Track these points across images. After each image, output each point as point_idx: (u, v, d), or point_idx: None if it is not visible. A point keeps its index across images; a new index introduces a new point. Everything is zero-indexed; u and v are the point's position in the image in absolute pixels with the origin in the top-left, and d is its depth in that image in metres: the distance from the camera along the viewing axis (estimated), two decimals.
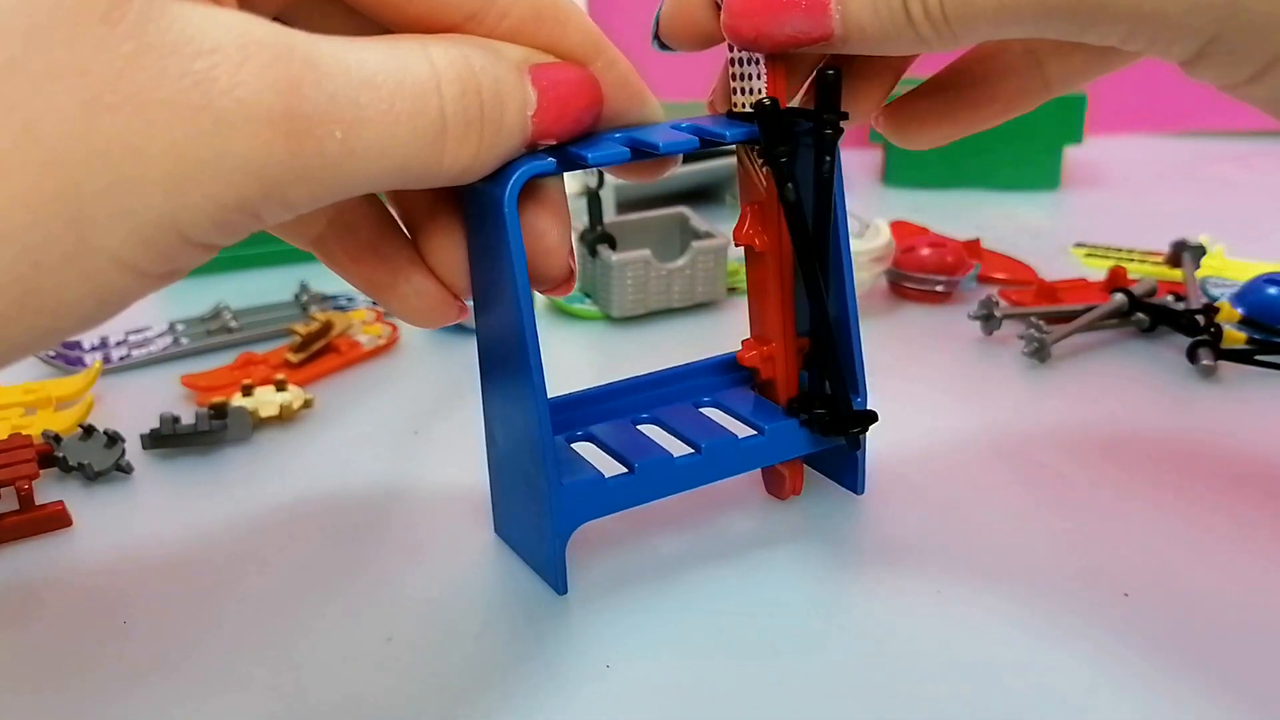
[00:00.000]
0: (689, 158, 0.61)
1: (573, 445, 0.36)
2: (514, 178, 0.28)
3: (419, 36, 0.25)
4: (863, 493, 0.38)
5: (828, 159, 0.32)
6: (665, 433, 0.36)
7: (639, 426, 0.37)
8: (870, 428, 0.35)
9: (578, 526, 0.33)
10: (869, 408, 0.36)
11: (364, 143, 0.23)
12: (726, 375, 0.38)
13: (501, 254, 0.29)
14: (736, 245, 0.35)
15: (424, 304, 0.31)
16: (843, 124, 0.32)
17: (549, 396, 0.32)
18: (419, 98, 0.24)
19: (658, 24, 0.32)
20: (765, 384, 0.37)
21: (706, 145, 0.32)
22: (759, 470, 0.38)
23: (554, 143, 0.28)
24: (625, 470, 0.33)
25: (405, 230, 0.31)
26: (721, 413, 0.37)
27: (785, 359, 0.36)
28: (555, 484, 0.32)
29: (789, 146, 0.32)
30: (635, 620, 0.33)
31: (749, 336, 0.37)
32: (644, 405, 0.38)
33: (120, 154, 0.20)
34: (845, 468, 0.38)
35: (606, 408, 0.37)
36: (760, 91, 0.31)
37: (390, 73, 0.23)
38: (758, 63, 0.31)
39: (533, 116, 0.27)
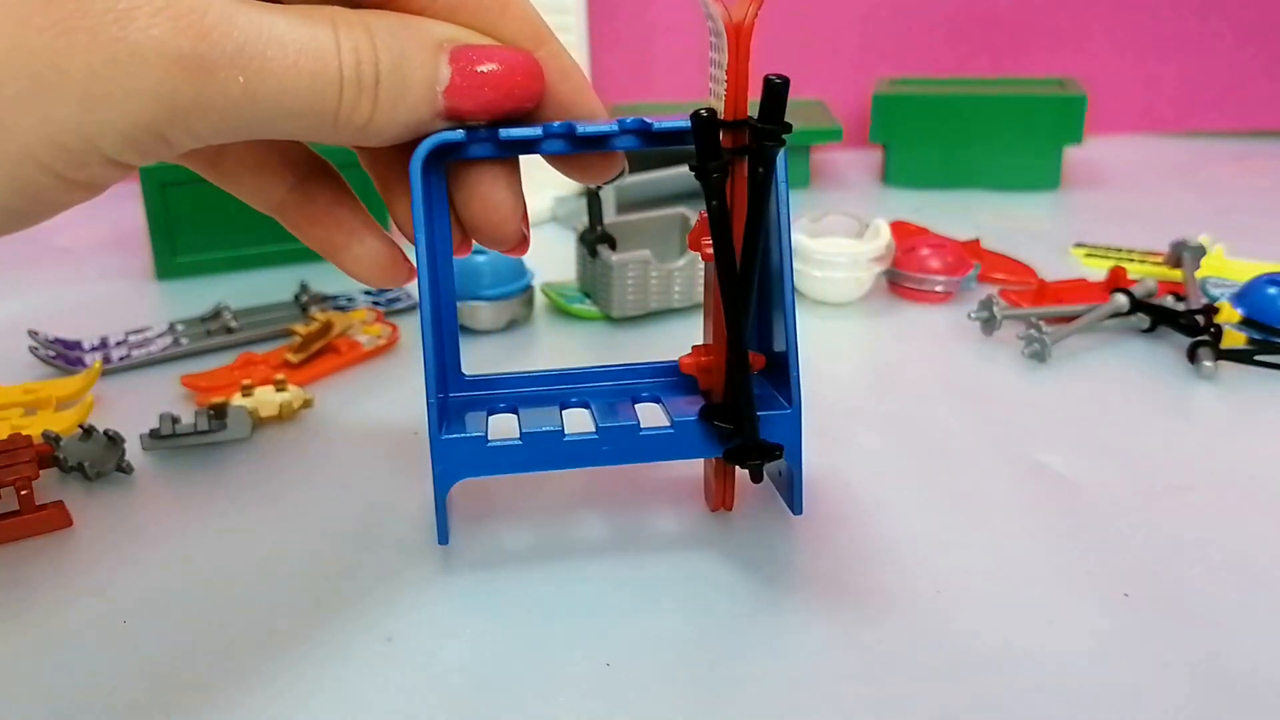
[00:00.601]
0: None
1: (492, 416, 0.37)
2: (421, 147, 0.30)
3: (335, 9, 0.27)
4: (800, 513, 0.36)
5: (760, 169, 0.31)
6: (588, 417, 0.36)
7: (566, 410, 0.37)
8: (781, 456, 0.34)
9: (456, 481, 0.35)
10: (779, 442, 0.34)
11: (265, 89, 0.25)
12: (683, 377, 0.38)
13: (414, 206, 0.32)
14: (690, 250, 0.35)
15: (375, 264, 0.33)
16: (784, 136, 0.31)
17: (505, 374, 0.37)
18: (319, 59, 0.26)
19: None
20: (707, 392, 0.37)
21: (637, 138, 0.32)
22: (702, 481, 0.38)
23: (482, 120, 0.30)
24: (514, 437, 0.35)
25: (380, 192, 0.34)
26: (657, 407, 0.37)
27: (722, 370, 0.35)
28: (436, 436, 0.34)
29: (719, 162, 0.31)
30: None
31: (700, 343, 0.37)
32: (584, 393, 0.38)
33: (42, 68, 0.23)
34: (786, 485, 0.37)
35: (549, 391, 0.38)
36: (723, 86, 0.31)
37: (298, 35, 0.26)
38: (720, 50, 0.31)
39: (444, 92, 0.28)
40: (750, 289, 0.32)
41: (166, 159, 0.26)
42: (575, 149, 0.32)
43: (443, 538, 0.35)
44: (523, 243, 0.34)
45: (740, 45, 0.30)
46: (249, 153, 0.32)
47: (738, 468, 0.35)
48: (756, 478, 0.35)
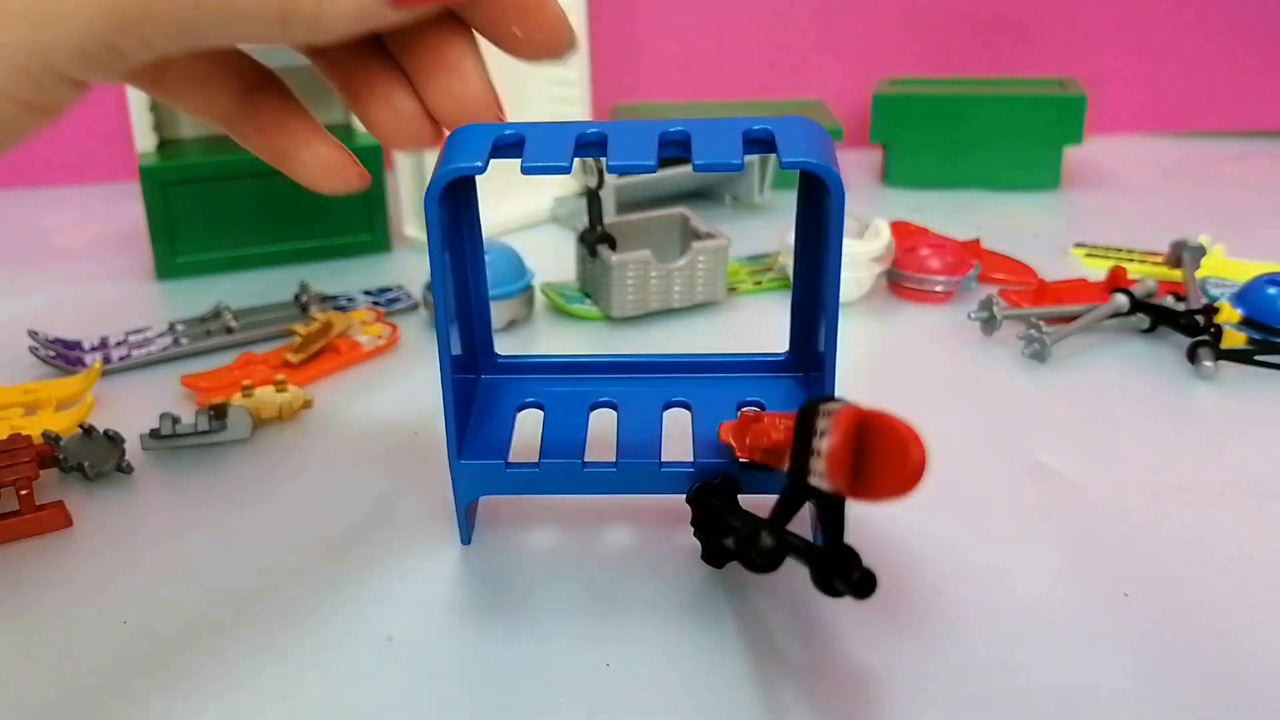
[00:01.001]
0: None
1: (520, 411, 0.37)
2: (434, 182, 0.30)
3: None
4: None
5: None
6: (613, 429, 0.36)
7: (594, 410, 0.37)
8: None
9: (475, 499, 0.36)
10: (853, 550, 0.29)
11: None
12: (715, 377, 0.38)
13: (430, 239, 0.31)
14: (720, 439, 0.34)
15: (325, 169, 0.33)
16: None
17: (539, 356, 0.38)
18: None
19: None
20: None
21: (661, 162, 0.30)
22: None
23: (431, 11, 0.28)
24: (533, 462, 0.35)
25: (342, 95, 0.33)
26: (686, 415, 0.37)
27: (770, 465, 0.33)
28: (454, 460, 0.34)
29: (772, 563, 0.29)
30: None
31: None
32: (615, 385, 0.38)
33: None
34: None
35: (580, 380, 0.39)
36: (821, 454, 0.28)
37: None
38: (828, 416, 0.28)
39: None
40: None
41: (119, 73, 0.26)
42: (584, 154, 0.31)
43: (465, 538, 0.36)
44: (499, 109, 0.32)
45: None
46: (193, 65, 0.32)
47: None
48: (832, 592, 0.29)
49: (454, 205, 0.33)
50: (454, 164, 0.30)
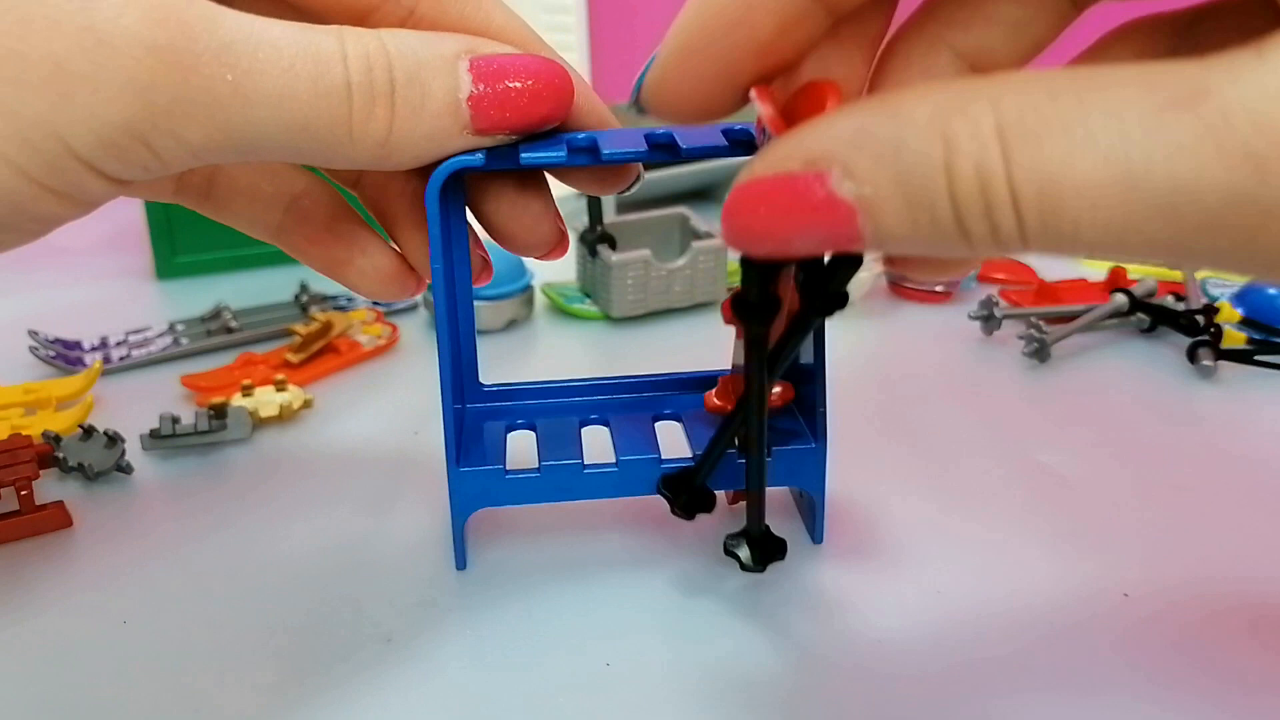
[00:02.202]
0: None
1: (510, 433, 0.37)
2: (438, 171, 0.28)
3: (338, 26, 0.25)
4: (820, 542, 0.36)
5: (801, 327, 0.29)
6: (608, 441, 0.36)
7: (585, 427, 0.37)
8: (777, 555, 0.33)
9: (474, 510, 0.35)
10: (779, 537, 0.33)
11: (259, 91, 0.23)
12: (704, 388, 0.38)
13: (430, 232, 0.30)
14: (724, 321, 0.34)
15: (381, 276, 0.32)
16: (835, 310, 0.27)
17: (525, 384, 0.37)
18: (321, 62, 0.24)
19: (640, 88, 0.26)
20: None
21: (658, 156, 0.30)
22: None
23: (510, 133, 0.27)
24: (533, 467, 0.34)
25: (384, 227, 0.32)
26: (678, 428, 0.37)
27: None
28: (453, 468, 0.33)
29: (767, 313, 0.28)
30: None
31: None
32: (604, 407, 0.38)
33: (1, 55, 0.21)
34: (808, 511, 0.37)
35: (567, 403, 0.38)
36: None
37: (294, 40, 0.24)
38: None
39: (468, 101, 0.26)
40: (765, 407, 0.31)
41: (156, 172, 0.24)
42: (599, 164, 0.30)
43: (460, 563, 0.35)
44: (562, 241, 0.32)
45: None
46: (241, 177, 0.31)
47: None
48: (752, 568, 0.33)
49: (445, 216, 0.32)
50: (454, 160, 0.29)
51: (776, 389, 0.35)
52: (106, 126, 0.22)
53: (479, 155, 0.28)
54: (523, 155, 0.28)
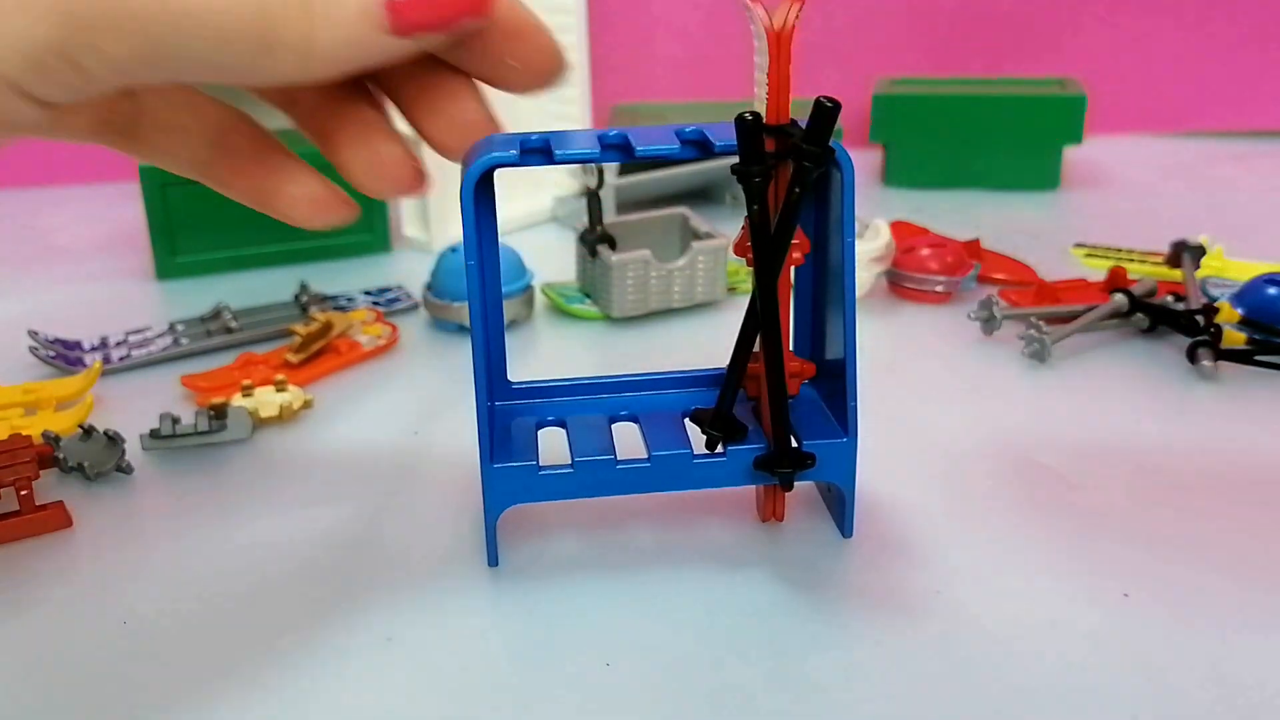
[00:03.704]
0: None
1: (541, 430, 0.37)
2: (472, 169, 0.29)
3: None
4: (850, 536, 0.36)
5: (796, 188, 0.31)
6: (638, 433, 0.36)
7: (615, 424, 0.37)
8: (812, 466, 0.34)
9: (508, 507, 0.34)
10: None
11: (180, 3, 0.23)
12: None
13: (465, 228, 0.31)
14: (736, 256, 0.35)
15: (312, 203, 0.31)
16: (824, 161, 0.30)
17: (553, 381, 0.37)
18: None
19: None
20: (756, 401, 0.37)
21: (689, 152, 0.31)
22: (754, 489, 0.38)
23: (434, 35, 0.27)
24: (566, 463, 0.34)
25: (318, 144, 0.31)
26: None
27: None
28: (487, 465, 0.34)
29: (761, 167, 0.30)
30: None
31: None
32: (631, 404, 0.38)
33: None
34: (837, 506, 0.37)
35: (595, 400, 0.38)
36: (765, 89, 0.31)
37: None
38: (763, 54, 0.30)
39: (385, 3, 0.25)
40: (774, 300, 0.32)
41: (82, 90, 0.24)
42: (630, 160, 0.31)
43: (492, 560, 0.35)
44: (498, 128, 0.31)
45: (781, 50, 0.30)
46: (163, 113, 0.30)
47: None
48: (787, 486, 0.35)
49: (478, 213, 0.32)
50: (490, 154, 0.30)
51: (793, 363, 0.36)
52: (34, 46, 0.23)
53: (513, 153, 0.29)
54: (556, 154, 0.30)
